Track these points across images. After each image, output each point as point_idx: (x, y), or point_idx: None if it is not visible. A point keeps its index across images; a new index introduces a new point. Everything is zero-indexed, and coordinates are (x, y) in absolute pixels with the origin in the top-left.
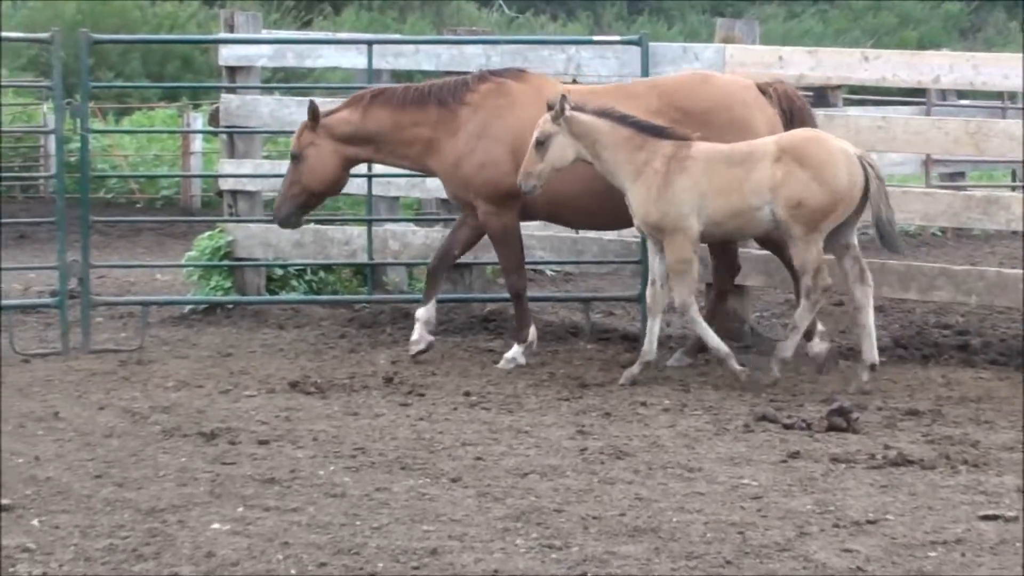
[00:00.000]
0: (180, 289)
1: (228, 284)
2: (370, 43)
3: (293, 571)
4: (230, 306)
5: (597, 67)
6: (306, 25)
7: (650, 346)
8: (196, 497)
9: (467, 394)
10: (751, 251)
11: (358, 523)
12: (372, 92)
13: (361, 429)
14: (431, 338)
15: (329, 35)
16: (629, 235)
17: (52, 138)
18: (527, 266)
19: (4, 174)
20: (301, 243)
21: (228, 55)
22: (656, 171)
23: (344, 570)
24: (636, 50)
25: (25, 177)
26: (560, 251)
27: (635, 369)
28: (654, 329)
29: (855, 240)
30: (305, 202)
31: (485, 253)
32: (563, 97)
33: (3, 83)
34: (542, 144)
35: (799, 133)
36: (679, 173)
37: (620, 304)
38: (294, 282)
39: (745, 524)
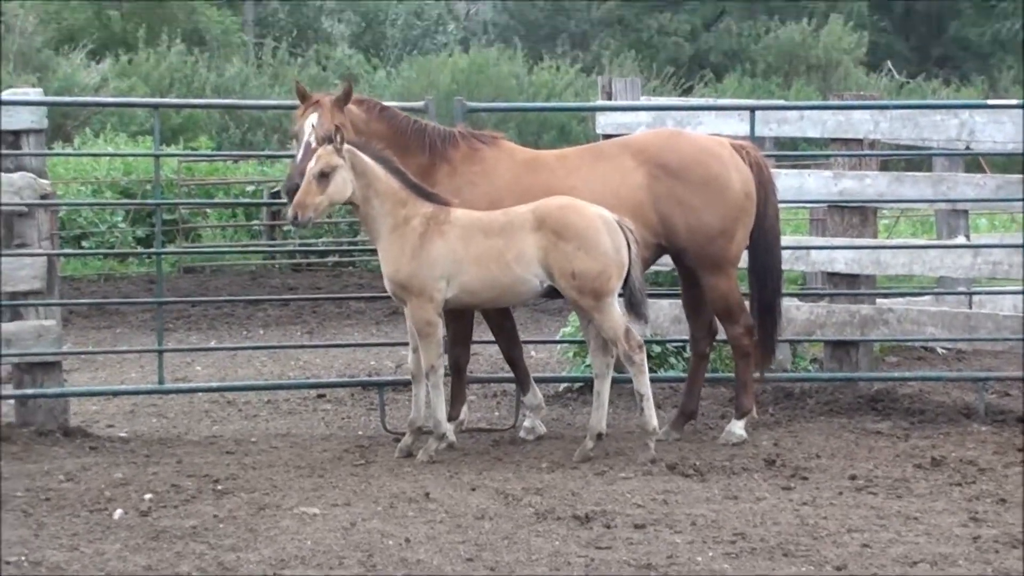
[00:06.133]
0: (555, 367)
1: None
2: (752, 109)
3: None
4: None
5: (992, 132)
6: (687, 92)
7: (416, 412)
8: None
9: (853, 478)
10: None
11: None
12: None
13: (741, 513)
14: (544, 428)
15: (710, 101)
16: None
17: None
18: (918, 343)
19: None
20: (679, 318)
21: (606, 123)
22: (414, 229)
23: None
24: None
25: None
26: (952, 328)
27: (408, 439)
28: (419, 395)
29: None
30: None
31: (873, 330)
32: (338, 129)
33: None
34: (325, 176)
35: (554, 201)
36: (436, 236)
37: (1016, 384)
38: (672, 359)
39: None
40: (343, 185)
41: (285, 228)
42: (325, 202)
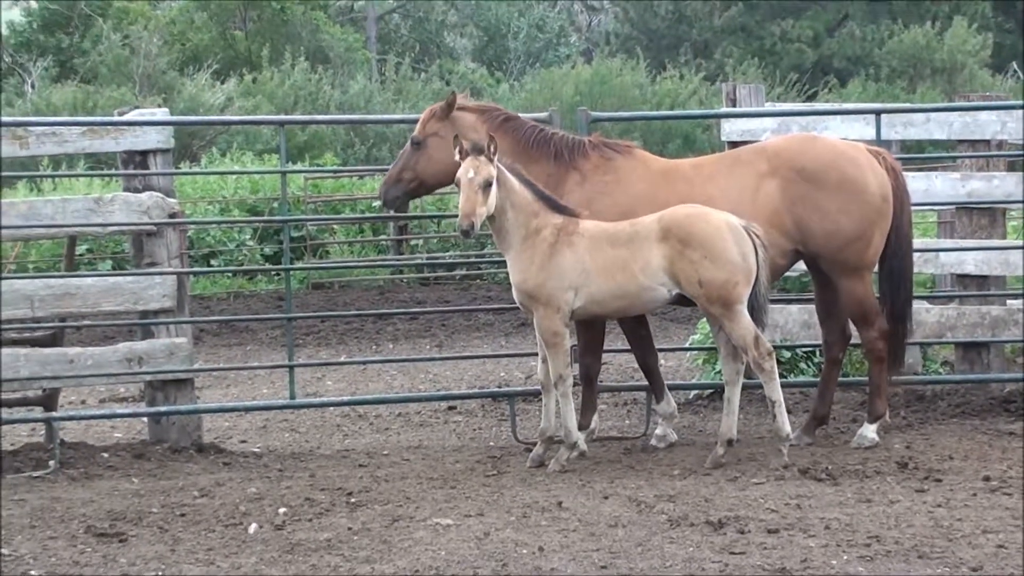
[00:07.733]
0: (684, 374)
1: None
2: (878, 112)
3: None
4: None
5: None
6: (811, 98)
7: (547, 422)
8: None
9: (987, 479)
10: None
11: None
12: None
13: (875, 516)
14: (675, 435)
15: (835, 106)
16: None
17: None
18: None
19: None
20: (809, 324)
21: (731, 130)
22: (544, 240)
23: None
24: None
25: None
26: None
27: (539, 449)
28: (550, 405)
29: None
30: None
31: (1004, 332)
32: (492, 139)
33: None
34: (489, 186)
35: (680, 210)
36: (565, 247)
37: None
38: (803, 364)
39: None
40: (495, 195)
41: (412, 242)
42: (485, 212)
